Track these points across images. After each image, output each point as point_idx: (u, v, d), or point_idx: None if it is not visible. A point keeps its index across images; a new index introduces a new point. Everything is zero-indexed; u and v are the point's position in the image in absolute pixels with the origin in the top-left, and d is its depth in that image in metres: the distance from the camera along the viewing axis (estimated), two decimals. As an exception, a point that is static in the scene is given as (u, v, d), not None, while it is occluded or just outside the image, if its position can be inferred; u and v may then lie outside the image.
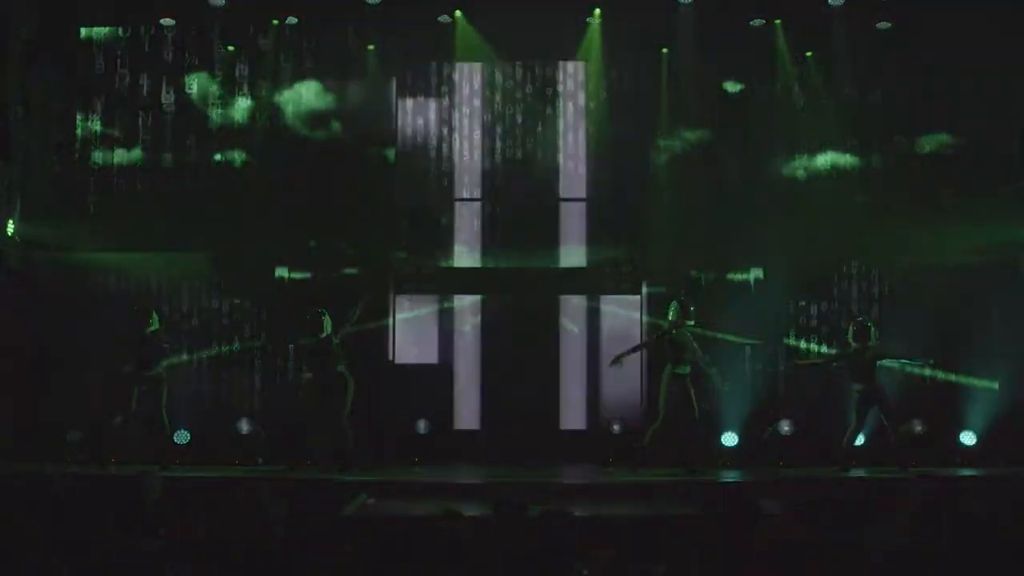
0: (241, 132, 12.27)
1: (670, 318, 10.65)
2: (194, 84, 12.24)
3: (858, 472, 10.52)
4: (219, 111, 12.29)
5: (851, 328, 10.74)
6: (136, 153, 12.20)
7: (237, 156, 12.24)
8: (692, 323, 10.66)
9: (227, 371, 12.05)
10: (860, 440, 11.07)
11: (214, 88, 12.28)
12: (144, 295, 11.80)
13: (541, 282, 12.30)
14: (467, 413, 11.92)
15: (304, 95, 12.28)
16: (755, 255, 11.97)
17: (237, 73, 12.30)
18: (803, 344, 12.07)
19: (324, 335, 10.59)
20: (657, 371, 10.83)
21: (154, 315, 10.81)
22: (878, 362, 10.59)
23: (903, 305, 11.87)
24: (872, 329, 10.68)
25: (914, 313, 11.72)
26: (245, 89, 12.31)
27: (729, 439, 11.49)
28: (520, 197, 12.37)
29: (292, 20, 12.22)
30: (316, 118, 12.26)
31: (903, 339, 11.54)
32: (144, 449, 10.84)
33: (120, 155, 12.19)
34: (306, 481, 9.88)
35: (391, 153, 12.37)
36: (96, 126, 12.22)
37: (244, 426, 11.56)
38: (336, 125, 12.27)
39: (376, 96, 12.31)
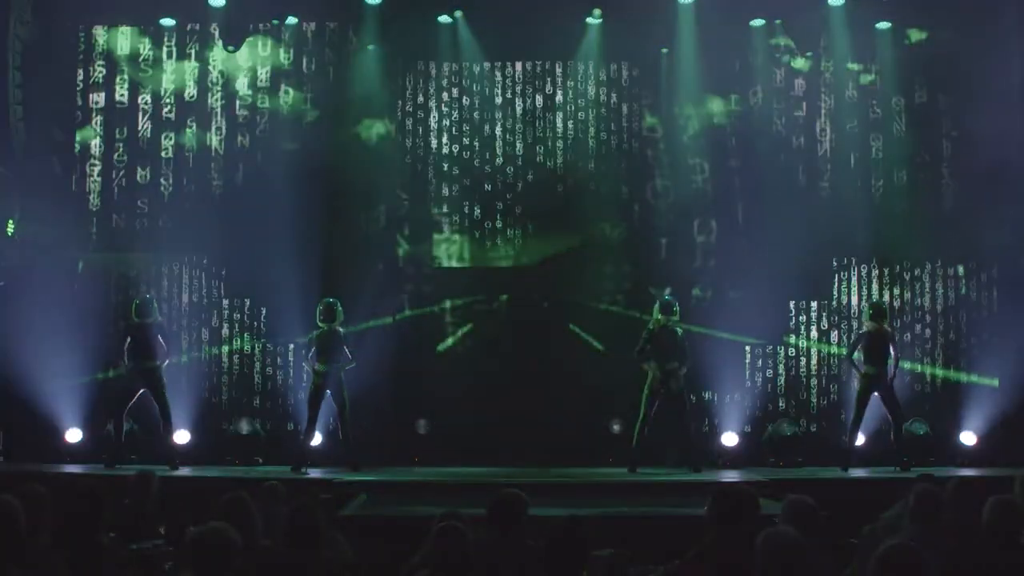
0: (243, 130, 12.29)
1: (655, 316, 10.73)
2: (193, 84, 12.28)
3: (858, 472, 10.55)
4: (220, 109, 12.31)
5: (868, 309, 10.82)
6: (137, 153, 12.23)
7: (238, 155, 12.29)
8: (675, 319, 10.70)
9: (227, 371, 12.06)
10: (860, 439, 11.10)
11: (213, 87, 12.32)
12: (143, 292, 11.84)
13: (540, 282, 12.31)
14: (466, 413, 11.86)
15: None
16: (756, 256, 11.95)
17: (239, 72, 12.32)
18: (802, 342, 12.08)
19: (335, 325, 10.63)
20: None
21: (154, 305, 10.83)
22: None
23: (906, 303, 11.96)
24: (885, 310, 10.74)
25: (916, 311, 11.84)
26: (246, 87, 12.34)
27: (729, 439, 11.50)
28: (520, 197, 12.38)
29: (292, 20, 12.24)
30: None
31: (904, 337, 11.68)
32: (145, 449, 10.92)
33: (121, 155, 12.21)
34: (307, 481, 9.89)
35: (391, 147, 12.38)
36: (96, 126, 12.23)
37: (244, 426, 11.55)
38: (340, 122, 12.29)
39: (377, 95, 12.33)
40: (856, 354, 10.82)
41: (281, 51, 12.31)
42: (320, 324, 10.73)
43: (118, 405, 10.74)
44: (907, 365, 11.61)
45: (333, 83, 12.31)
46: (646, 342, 10.67)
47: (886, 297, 11.98)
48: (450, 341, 12.29)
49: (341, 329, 10.77)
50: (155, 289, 11.96)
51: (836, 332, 12.05)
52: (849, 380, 11.34)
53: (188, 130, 12.24)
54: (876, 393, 10.66)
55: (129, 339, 10.69)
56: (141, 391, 10.68)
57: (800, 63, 12.26)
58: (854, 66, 12.19)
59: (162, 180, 12.22)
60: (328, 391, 10.69)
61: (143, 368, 10.62)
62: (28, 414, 11.20)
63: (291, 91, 12.29)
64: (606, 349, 11.91)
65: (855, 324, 11.83)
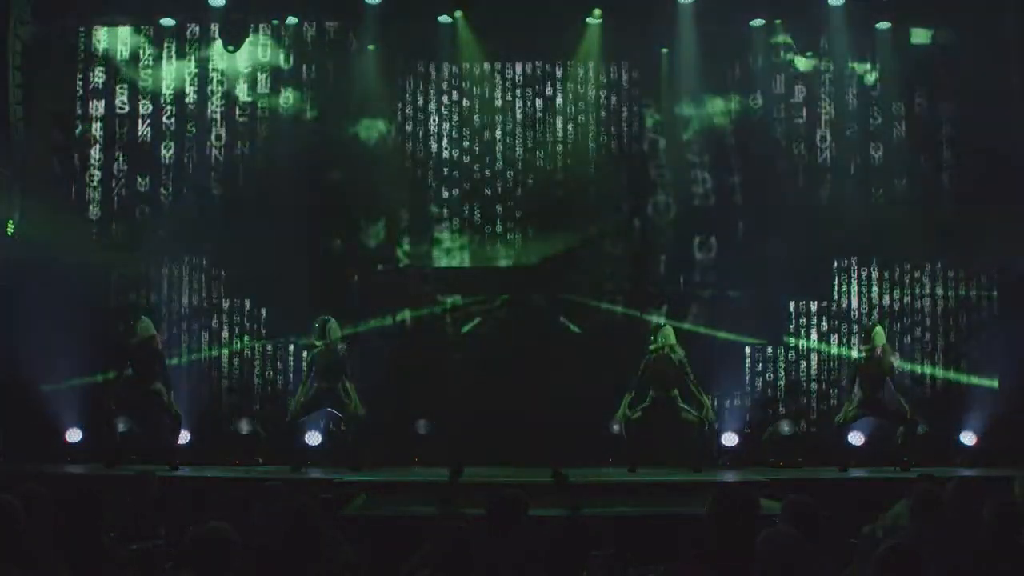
0: (245, 131, 12.30)
1: (650, 345, 10.76)
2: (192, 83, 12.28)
3: (858, 472, 10.55)
4: (220, 109, 12.31)
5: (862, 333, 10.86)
6: (136, 153, 12.22)
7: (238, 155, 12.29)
8: (671, 342, 10.68)
9: (227, 372, 12.06)
10: (859, 439, 11.12)
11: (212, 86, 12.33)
12: (142, 296, 11.85)
13: (541, 282, 12.31)
14: (466, 413, 11.85)
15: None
16: (756, 257, 11.93)
17: (238, 73, 12.32)
18: (802, 342, 12.08)
19: (330, 342, 10.59)
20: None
21: (145, 320, 10.81)
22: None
23: (906, 306, 11.96)
24: (875, 332, 10.71)
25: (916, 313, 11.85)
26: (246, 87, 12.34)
27: (729, 439, 11.50)
28: (519, 197, 12.39)
29: (292, 20, 12.24)
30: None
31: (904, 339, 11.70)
32: (145, 449, 10.92)
33: (120, 155, 12.22)
34: (306, 481, 9.89)
35: (390, 149, 12.37)
36: (96, 125, 12.24)
37: (244, 426, 11.55)
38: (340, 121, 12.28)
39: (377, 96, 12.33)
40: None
41: (281, 52, 12.31)
42: (316, 343, 10.71)
43: (112, 408, 10.72)
44: (907, 366, 11.65)
45: (333, 84, 12.31)
46: (642, 371, 10.69)
47: (886, 300, 11.99)
48: (467, 327, 12.27)
49: (341, 346, 10.74)
50: (155, 290, 11.98)
51: (836, 334, 12.04)
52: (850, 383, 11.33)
53: (187, 130, 12.24)
54: (876, 415, 10.69)
55: (130, 361, 10.66)
56: (143, 407, 10.70)
57: (800, 63, 12.25)
58: (854, 66, 12.19)
59: (162, 180, 12.22)
60: (331, 408, 10.66)
61: (146, 389, 10.60)
62: (28, 414, 11.20)
63: (291, 92, 12.28)
64: (582, 331, 12.01)
65: (855, 327, 11.84)
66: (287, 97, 12.28)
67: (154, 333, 10.78)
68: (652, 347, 10.77)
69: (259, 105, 12.29)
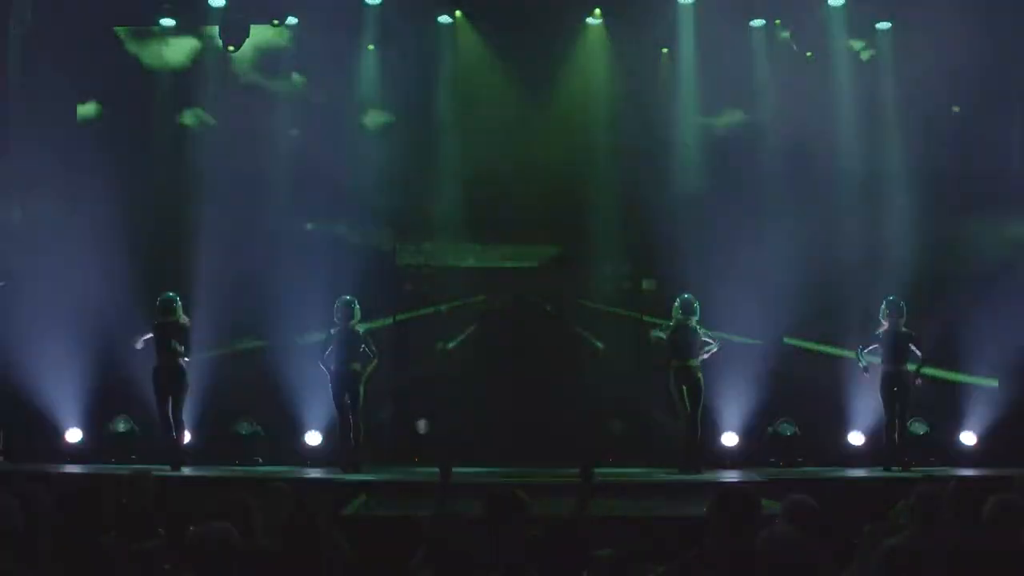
0: (242, 131, 12.31)
1: (675, 315, 10.72)
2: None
3: (858, 472, 10.55)
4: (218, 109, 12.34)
5: (883, 306, 10.75)
6: (137, 149, 12.24)
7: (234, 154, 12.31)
8: (696, 319, 10.70)
9: (228, 370, 12.06)
10: (861, 439, 11.11)
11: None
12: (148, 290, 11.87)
13: (541, 282, 12.33)
14: (466, 413, 11.87)
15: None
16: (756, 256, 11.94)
17: (238, 73, 12.35)
18: (803, 342, 12.09)
19: (353, 324, 10.58)
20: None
21: (177, 303, 10.78)
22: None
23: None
24: (904, 308, 10.68)
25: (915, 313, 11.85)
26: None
27: (729, 439, 11.49)
28: (519, 197, 12.41)
29: (292, 20, 12.25)
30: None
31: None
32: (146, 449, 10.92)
33: (121, 151, 12.24)
34: (306, 481, 9.90)
35: (391, 151, 12.39)
36: (97, 122, 12.26)
37: (244, 426, 11.54)
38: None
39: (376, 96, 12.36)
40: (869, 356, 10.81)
41: (281, 52, 12.33)
42: (337, 323, 10.71)
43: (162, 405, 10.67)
44: (907, 366, 11.65)
45: (333, 83, 12.33)
46: (665, 340, 10.68)
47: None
48: (452, 343, 12.28)
49: (360, 328, 10.73)
50: (156, 288, 11.97)
51: (837, 334, 12.04)
52: (850, 379, 11.32)
53: (187, 126, 12.27)
54: (896, 389, 10.66)
55: (153, 338, 10.63)
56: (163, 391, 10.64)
57: (801, 63, 12.26)
58: (856, 58, 12.20)
59: (162, 177, 12.23)
60: (346, 390, 10.65)
61: (166, 366, 10.57)
62: (28, 414, 11.20)
63: (293, 91, 12.31)
64: (605, 349, 11.93)
65: (855, 328, 11.86)
66: (289, 94, 12.30)
67: (177, 316, 10.73)
68: (679, 316, 10.73)
69: (257, 104, 12.30)
